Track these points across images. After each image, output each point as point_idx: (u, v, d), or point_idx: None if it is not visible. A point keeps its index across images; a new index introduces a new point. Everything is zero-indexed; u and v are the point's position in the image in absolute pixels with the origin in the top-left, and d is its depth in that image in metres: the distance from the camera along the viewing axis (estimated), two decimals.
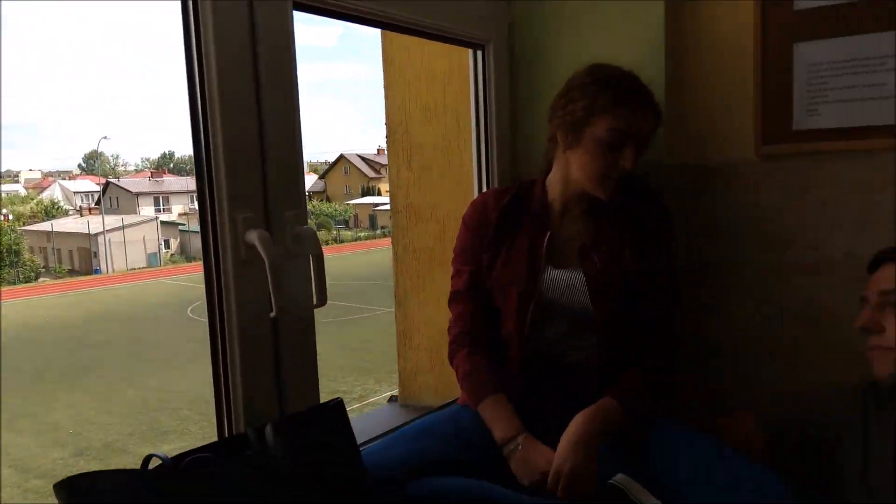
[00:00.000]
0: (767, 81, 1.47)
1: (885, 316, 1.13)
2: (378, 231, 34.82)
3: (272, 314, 1.05)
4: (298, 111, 1.12)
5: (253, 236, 1.04)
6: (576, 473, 1.17)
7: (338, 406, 1.02)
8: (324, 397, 1.13)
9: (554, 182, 1.40)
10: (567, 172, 1.36)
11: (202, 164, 1.04)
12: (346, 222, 39.66)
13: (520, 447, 1.23)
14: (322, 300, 1.12)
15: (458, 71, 1.76)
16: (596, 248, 1.34)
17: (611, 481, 1.20)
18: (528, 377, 1.35)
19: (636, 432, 1.26)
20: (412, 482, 1.11)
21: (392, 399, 1.93)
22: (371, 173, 44.64)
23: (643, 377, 1.30)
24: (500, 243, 1.40)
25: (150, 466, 0.91)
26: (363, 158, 46.44)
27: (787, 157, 1.46)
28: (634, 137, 1.28)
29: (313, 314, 1.15)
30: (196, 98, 1.04)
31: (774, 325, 1.51)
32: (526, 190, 1.45)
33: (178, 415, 9.95)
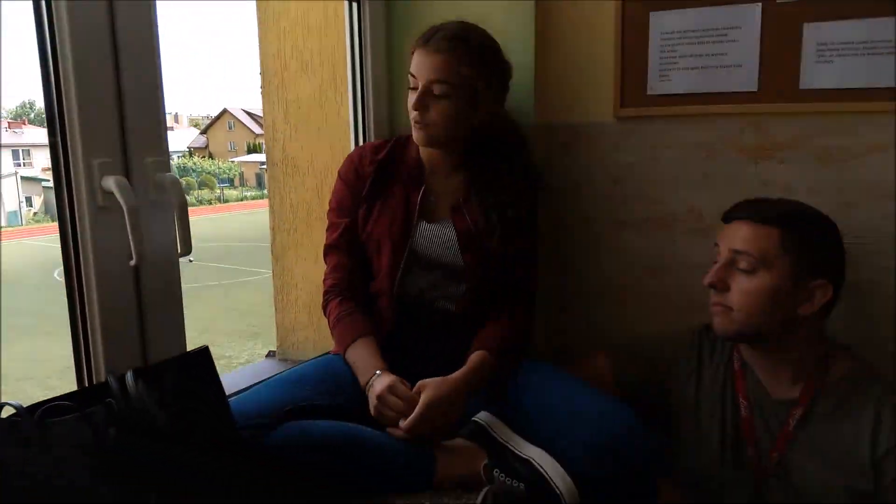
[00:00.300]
0: (626, 48, 1.57)
1: (732, 275, 1.22)
2: (266, 190, 33.65)
3: (132, 262, 1.02)
4: (158, 51, 1.08)
5: (110, 182, 1.00)
6: (442, 429, 1.23)
7: (203, 353, 1.02)
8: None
9: None
10: None
11: (53, 106, 0.99)
12: (230, 181, 38.07)
13: (374, 380, 1.26)
14: (187, 249, 1.11)
15: (334, 22, 1.74)
16: (467, 205, 1.40)
17: (474, 419, 1.28)
18: (399, 326, 1.40)
19: (502, 376, 1.34)
20: (279, 427, 1.13)
21: (270, 354, 1.93)
22: (258, 129, 42.88)
23: (509, 325, 1.37)
24: (374, 197, 1.43)
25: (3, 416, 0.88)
26: (249, 114, 44.56)
27: (641, 119, 1.57)
28: (421, 82, 1.32)
29: (178, 263, 1.13)
30: (45, 37, 0.98)
31: (627, 273, 1.64)
32: (402, 145, 1.48)
33: (46, 384, 9.32)
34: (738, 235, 1.22)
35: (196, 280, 12.80)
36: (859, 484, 1.17)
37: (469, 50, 1.31)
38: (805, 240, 1.18)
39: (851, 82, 1.38)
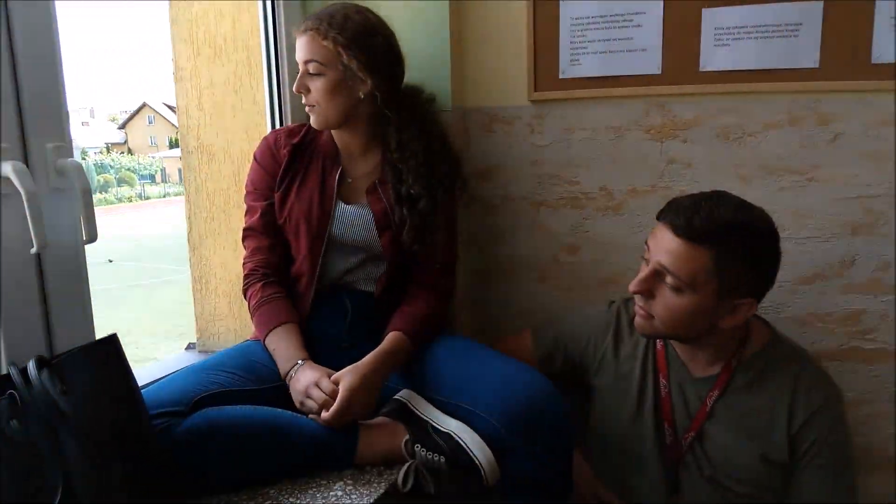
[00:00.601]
0: (539, 33, 1.61)
1: (658, 286, 1.18)
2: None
3: (33, 250, 0.99)
4: (57, 34, 1.04)
5: (7, 168, 0.97)
6: (363, 414, 1.23)
7: (111, 342, 0.99)
8: (135, 367, 1.06)
9: None
10: None
11: None
12: (152, 177, 36.62)
13: (297, 372, 1.25)
14: (92, 236, 1.07)
15: (247, 6, 1.71)
16: (383, 186, 1.40)
17: (395, 397, 1.29)
18: (319, 309, 1.40)
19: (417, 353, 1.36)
20: (193, 414, 1.11)
21: (190, 346, 1.88)
22: None
23: (425, 308, 1.37)
24: (291, 181, 1.42)
25: None
26: (171, 107, 42.98)
27: (554, 102, 1.62)
28: (301, 64, 1.35)
29: (83, 250, 1.10)
30: None
31: (545, 250, 1.69)
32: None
33: None
34: (668, 249, 1.15)
35: (117, 281, 12.30)
36: (774, 454, 1.21)
37: (333, 26, 1.31)
38: (737, 260, 1.13)
39: (746, 64, 1.46)
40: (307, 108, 1.38)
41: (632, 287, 1.21)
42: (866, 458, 1.47)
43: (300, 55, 1.34)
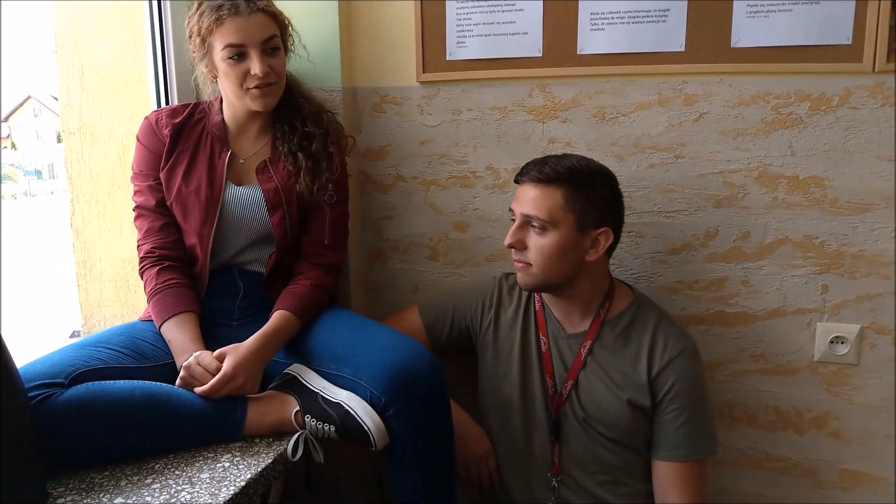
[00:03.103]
0: (426, 16, 1.65)
1: (527, 235, 1.35)
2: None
3: None
4: None
5: None
6: (248, 390, 1.24)
7: None
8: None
9: (226, 101, 1.43)
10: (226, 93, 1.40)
11: None
12: (39, 172, 34.34)
13: (188, 361, 1.23)
14: None
15: None
16: (274, 165, 1.41)
17: (286, 371, 1.31)
18: (213, 288, 1.40)
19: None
20: (73, 387, 1.08)
21: (74, 334, 1.81)
22: None
23: (311, 287, 1.39)
24: (176, 162, 1.41)
25: None
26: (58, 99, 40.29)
27: (442, 83, 1.66)
28: (254, 46, 1.31)
29: None
30: None
31: (436, 227, 1.73)
32: (203, 110, 1.46)
33: None
34: (528, 198, 1.33)
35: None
36: (639, 399, 1.37)
37: (269, 4, 1.36)
38: (584, 195, 1.32)
39: (619, 48, 1.55)
40: (261, 90, 1.33)
41: (506, 241, 1.36)
42: (730, 413, 1.60)
43: (258, 34, 1.31)
